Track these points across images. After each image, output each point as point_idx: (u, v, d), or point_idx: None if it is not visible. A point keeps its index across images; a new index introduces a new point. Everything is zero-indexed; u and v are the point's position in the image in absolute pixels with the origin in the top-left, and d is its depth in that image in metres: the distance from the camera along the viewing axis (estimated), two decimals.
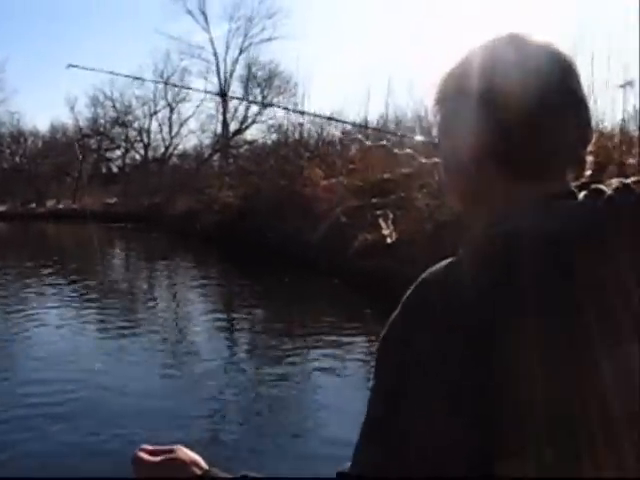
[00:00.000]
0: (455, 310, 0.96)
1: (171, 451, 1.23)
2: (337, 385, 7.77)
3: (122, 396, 7.33)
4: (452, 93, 1.11)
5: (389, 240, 14.63)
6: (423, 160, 17.69)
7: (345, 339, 9.77)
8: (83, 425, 6.45)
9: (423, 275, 1.04)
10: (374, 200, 18.15)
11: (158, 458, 1.22)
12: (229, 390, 7.83)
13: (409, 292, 1.03)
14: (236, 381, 8.19)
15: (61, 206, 49.93)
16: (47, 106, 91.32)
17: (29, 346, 9.97)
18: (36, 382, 7.87)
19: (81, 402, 7.14)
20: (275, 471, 5.40)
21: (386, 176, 19.98)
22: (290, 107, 40.30)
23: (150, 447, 1.25)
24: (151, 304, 14.58)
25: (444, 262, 1.03)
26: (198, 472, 1.19)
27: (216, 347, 9.96)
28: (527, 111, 1.03)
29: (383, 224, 15.09)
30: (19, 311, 12.64)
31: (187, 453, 1.23)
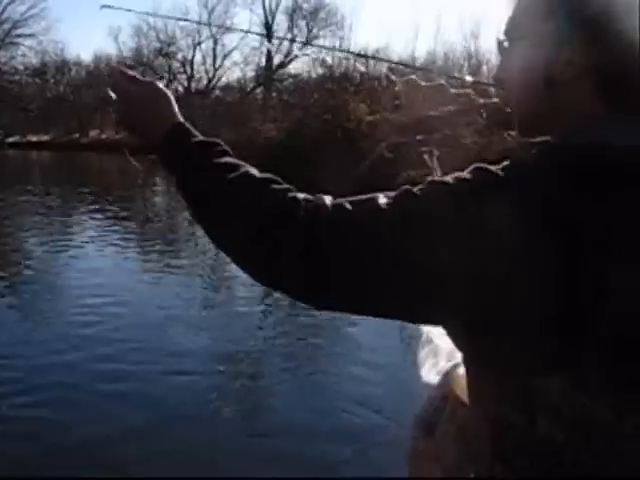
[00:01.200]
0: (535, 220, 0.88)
1: (149, 82, 1.29)
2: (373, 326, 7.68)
3: (160, 322, 7.36)
4: None
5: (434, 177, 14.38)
6: (482, 100, 17.31)
7: None
8: (123, 351, 6.45)
9: (506, 168, 0.96)
10: (419, 137, 17.82)
11: (137, 87, 1.27)
12: (268, 322, 7.81)
13: (487, 178, 0.96)
14: (273, 315, 8.16)
15: (104, 136, 50.20)
16: (91, 36, 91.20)
17: (73, 272, 10.11)
18: (81, 305, 7.93)
19: (120, 328, 7.15)
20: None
21: (432, 113, 19.57)
22: (337, 41, 39.67)
23: (125, 70, 1.29)
24: (188, 234, 14.58)
25: (526, 159, 0.97)
26: (177, 117, 1.25)
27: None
28: None
29: (428, 161, 14.80)
30: (65, 240, 12.75)
31: (163, 90, 1.29)
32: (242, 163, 1.14)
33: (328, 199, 1.02)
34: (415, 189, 1.00)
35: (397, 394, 5.19)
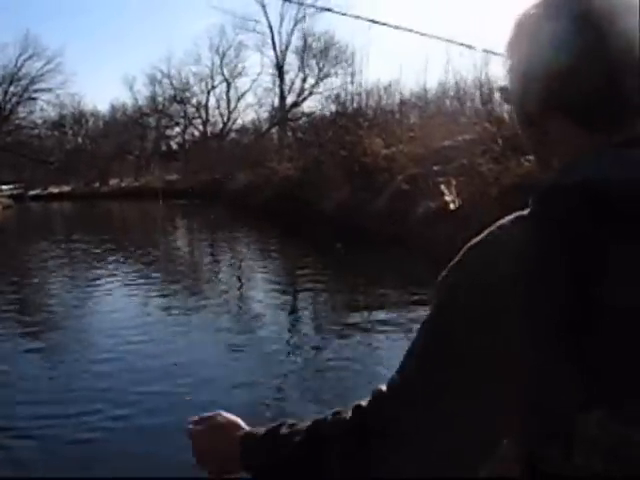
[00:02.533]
0: (534, 273, 0.89)
1: (211, 418, 1.29)
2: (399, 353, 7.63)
3: (182, 361, 7.37)
4: (525, 35, 1.03)
5: (452, 207, 14.37)
6: (486, 124, 17.44)
7: (408, 307, 9.62)
8: (147, 391, 6.48)
9: (489, 233, 0.97)
10: (436, 168, 17.89)
11: (200, 427, 1.28)
12: (291, 359, 7.78)
13: (475, 252, 0.96)
14: (298, 350, 8.14)
15: (124, 184, 50.82)
16: (106, 87, 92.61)
17: (96, 317, 10.22)
18: (103, 349, 7.98)
19: (144, 369, 7.21)
20: None
21: (447, 143, 19.66)
22: (348, 77, 39.92)
23: (195, 417, 1.30)
24: (211, 275, 14.66)
25: (511, 217, 0.96)
26: (240, 433, 1.21)
27: (275, 316, 9.90)
28: (622, 54, 0.94)
29: (446, 191, 14.83)
30: (89, 284, 12.89)
31: (226, 417, 1.27)
32: (300, 424, 1.13)
33: (383, 386, 1.03)
34: (430, 309, 1.01)
35: None
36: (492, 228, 0.97)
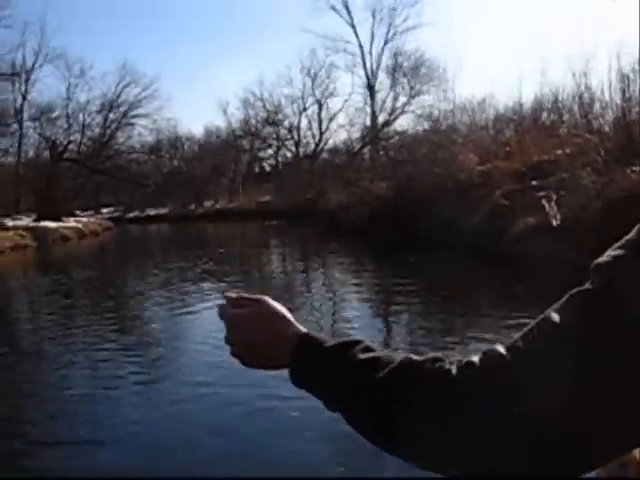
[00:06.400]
0: None
1: (258, 301, 1.12)
2: None
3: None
4: None
5: (554, 222, 13.83)
6: (588, 136, 16.80)
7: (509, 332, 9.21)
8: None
9: None
10: (534, 182, 17.39)
11: (245, 311, 1.11)
12: None
13: None
14: None
15: (218, 206, 51.71)
16: (200, 111, 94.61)
17: (188, 337, 10.21)
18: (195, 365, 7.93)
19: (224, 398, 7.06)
20: None
21: (545, 157, 19.12)
22: (440, 94, 39.55)
23: (234, 295, 1.14)
24: (306, 295, 14.49)
25: None
26: (295, 332, 1.06)
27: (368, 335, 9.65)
28: None
29: (547, 206, 14.29)
30: (183, 305, 12.96)
31: (273, 305, 1.11)
32: (391, 354, 0.97)
33: (501, 347, 0.86)
34: (586, 286, 0.81)
35: None
36: None
